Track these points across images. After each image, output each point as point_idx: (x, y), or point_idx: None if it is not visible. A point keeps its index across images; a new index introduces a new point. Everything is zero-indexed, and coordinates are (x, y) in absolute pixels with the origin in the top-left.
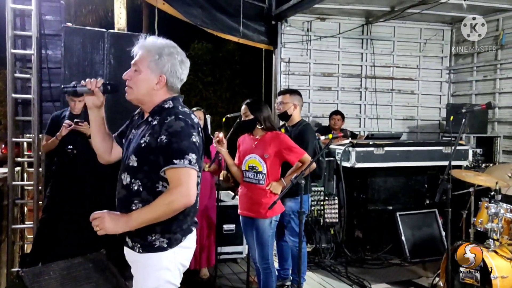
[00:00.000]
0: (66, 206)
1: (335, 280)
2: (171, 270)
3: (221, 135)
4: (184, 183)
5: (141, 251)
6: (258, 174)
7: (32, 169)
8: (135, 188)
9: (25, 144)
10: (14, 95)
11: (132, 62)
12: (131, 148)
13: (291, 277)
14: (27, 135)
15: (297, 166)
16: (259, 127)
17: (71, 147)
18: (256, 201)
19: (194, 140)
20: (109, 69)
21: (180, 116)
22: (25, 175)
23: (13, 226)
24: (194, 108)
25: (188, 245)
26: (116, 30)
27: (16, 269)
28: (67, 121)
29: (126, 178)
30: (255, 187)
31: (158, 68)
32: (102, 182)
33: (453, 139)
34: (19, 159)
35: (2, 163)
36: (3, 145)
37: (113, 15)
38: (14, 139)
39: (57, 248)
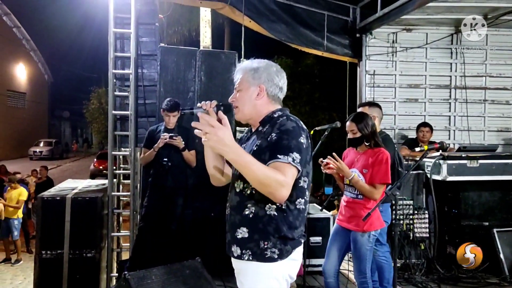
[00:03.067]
0: (161, 215)
1: None
2: (280, 281)
3: (325, 160)
4: (287, 178)
5: (251, 258)
6: (357, 189)
7: (126, 181)
8: (248, 192)
9: (120, 157)
10: (114, 112)
11: (235, 87)
12: None
13: None
14: (123, 148)
15: (368, 187)
16: (366, 144)
17: (166, 159)
18: (356, 214)
19: (302, 141)
20: (200, 85)
21: (292, 118)
22: (121, 186)
23: (112, 234)
24: None
25: (296, 257)
26: (202, 48)
27: (115, 274)
28: (164, 134)
29: (239, 185)
30: (354, 201)
31: (256, 80)
32: (192, 193)
33: None
34: (116, 171)
35: (94, 176)
36: (95, 159)
37: (197, 35)
38: (114, 153)
39: (154, 254)
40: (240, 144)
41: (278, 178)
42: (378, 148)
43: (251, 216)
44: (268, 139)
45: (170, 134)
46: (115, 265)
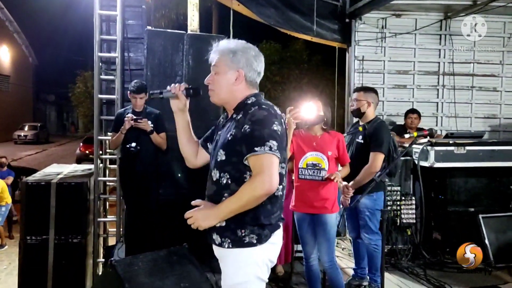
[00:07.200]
0: (137, 203)
1: (414, 282)
2: (260, 265)
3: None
4: (266, 169)
5: (230, 246)
6: (321, 171)
7: (113, 166)
8: (224, 181)
9: (107, 141)
10: (100, 96)
11: (211, 67)
12: (219, 144)
13: (368, 277)
14: (109, 133)
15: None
16: (323, 127)
17: (134, 144)
18: (321, 197)
19: (276, 128)
20: (188, 69)
21: (263, 106)
22: (107, 171)
23: (98, 219)
24: None
25: (276, 241)
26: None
27: (101, 259)
28: (129, 115)
29: (215, 174)
30: (317, 183)
31: (235, 64)
32: (181, 179)
33: None
34: (102, 156)
35: (80, 161)
36: (81, 144)
37: (184, 18)
38: (100, 137)
39: (140, 240)
40: (216, 131)
41: (249, 188)
42: (334, 132)
43: None
44: (242, 130)
45: (135, 118)
46: (101, 250)
